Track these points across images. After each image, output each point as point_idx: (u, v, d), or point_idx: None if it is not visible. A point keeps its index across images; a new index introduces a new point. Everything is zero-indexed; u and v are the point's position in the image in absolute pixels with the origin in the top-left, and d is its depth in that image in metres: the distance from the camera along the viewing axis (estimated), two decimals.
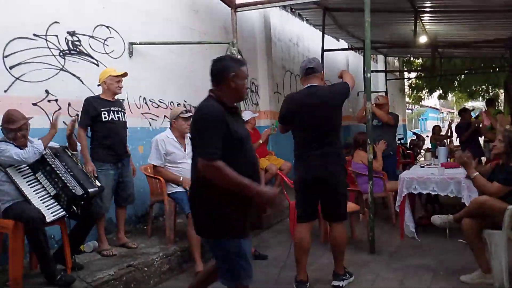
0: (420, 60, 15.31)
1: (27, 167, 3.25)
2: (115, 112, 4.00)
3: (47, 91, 3.98)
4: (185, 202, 3.99)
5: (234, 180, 2.16)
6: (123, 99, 4.65)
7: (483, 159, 7.28)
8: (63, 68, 4.13)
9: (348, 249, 3.74)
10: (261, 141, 6.42)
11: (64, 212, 3.24)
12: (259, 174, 2.50)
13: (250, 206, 2.32)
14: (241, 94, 2.39)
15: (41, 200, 3.21)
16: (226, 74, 2.30)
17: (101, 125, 3.92)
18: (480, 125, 7.67)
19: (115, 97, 4.11)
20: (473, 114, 9.74)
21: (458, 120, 8.61)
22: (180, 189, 4.10)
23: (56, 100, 4.05)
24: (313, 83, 3.44)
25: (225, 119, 2.21)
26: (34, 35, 3.88)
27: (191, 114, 4.30)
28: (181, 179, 4.09)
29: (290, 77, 8.93)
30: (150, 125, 5.17)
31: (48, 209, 3.17)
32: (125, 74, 4.08)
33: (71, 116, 4.13)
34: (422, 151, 11.39)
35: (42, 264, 3.14)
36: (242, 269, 2.29)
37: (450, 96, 21.23)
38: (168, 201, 4.19)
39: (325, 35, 8.21)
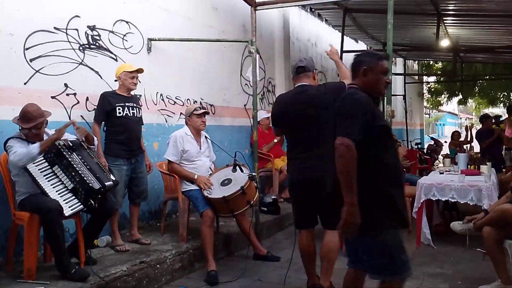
0: (440, 64, 15.07)
1: (44, 161, 3.22)
2: (130, 108, 3.98)
3: (66, 85, 4.00)
4: (199, 200, 3.97)
5: (352, 170, 2.14)
6: (140, 95, 4.66)
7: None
8: (82, 62, 4.15)
9: None
10: (275, 140, 6.40)
11: (81, 206, 3.21)
12: (402, 171, 2.50)
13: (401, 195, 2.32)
14: (377, 87, 2.38)
15: (58, 194, 3.17)
16: (359, 67, 2.37)
17: (115, 120, 3.91)
18: (505, 133, 7.52)
19: (132, 93, 4.10)
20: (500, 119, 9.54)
21: (478, 127, 8.43)
22: (194, 187, 4.07)
23: (75, 94, 4.07)
24: (304, 82, 3.27)
25: (373, 109, 2.28)
26: (55, 28, 3.90)
27: (204, 110, 4.28)
28: (195, 176, 4.08)
29: None
30: (166, 121, 5.17)
31: (66, 203, 3.15)
32: (140, 70, 4.06)
33: (89, 111, 4.15)
34: (440, 156, 11.20)
35: (57, 258, 3.13)
36: (402, 262, 2.29)
37: (470, 101, 20.88)
38: (182, 198, 4.18)
39: (344, 36, 8.12)
